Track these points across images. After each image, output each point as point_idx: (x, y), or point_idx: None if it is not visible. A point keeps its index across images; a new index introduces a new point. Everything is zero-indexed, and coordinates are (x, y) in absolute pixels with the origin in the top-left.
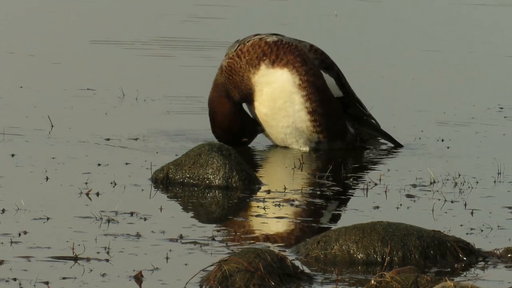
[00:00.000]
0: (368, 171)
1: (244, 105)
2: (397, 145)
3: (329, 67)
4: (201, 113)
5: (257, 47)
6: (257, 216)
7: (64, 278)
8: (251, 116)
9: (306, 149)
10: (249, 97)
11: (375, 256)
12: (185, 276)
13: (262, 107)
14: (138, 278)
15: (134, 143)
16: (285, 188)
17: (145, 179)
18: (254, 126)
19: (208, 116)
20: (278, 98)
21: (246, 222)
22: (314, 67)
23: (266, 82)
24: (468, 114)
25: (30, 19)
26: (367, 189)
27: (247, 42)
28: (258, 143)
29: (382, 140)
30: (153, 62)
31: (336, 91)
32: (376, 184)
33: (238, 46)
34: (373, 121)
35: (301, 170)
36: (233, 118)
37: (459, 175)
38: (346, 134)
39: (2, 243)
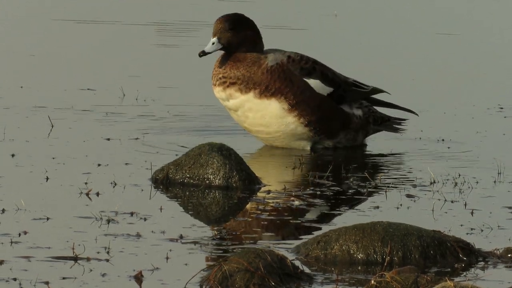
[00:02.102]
0: (368, 171)
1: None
2: (412, 112)
3: (310, 71)
4: (202, 113)
5: (261, 75)
6: (257, 216)
7: (64, 278)
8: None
9: (308, 148)
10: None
11: (375, 256)
12: (185, 276)
13: (255, 131)
14: (138, 278)
15: (134, 143)
16: (285, 188)
17: (145, 179)
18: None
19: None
20: (269, 124)
21: (246, 222)
22: (299, 82)
23: (249, 109)
24: (468, 114)
25: (30, 19)
26: (367, 189)
27: (263, 65)
28: (258, 143)
29: (396, 126)
30: (153, 61)
31: (324, 89)
32: (376, 184)
33: (260, 62)
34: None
35: (301, 170)
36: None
37: (459, 175)
38: (349, 122)
39: (2, 243)
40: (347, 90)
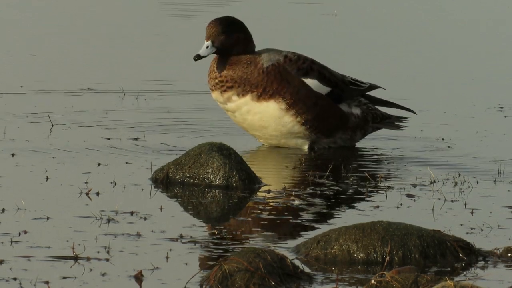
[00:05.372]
0: (368, 171)
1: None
2: (409, 111)
3: (308, 71)
4: (202, 112)
5: (257, 76)
6: (257, 215)
7: (64, 277)
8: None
9: (306, 147)
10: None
11: (375, 255)
12: (185, 276)
13: (253, 131)
14: (138, 278)
15: (134, 143)
16: (285, 188)
17: (145, 179)
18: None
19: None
20: (268, 125)
21: (246, 221)
22: (294, 80)
23: (247, 112)
24: (468, 114)
25: (30, 19)
26: (367, 188)
27: (258, 65)
28: (257, 143)
29: (397, 123)
30: (153, 60)
31: (322, 89)
32: (376, 184)
33: (255, 63)
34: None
35: (301, 170)
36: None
37: (459, 174)
38: (346, 121)
39: (2, 242)
40: (345, 90)
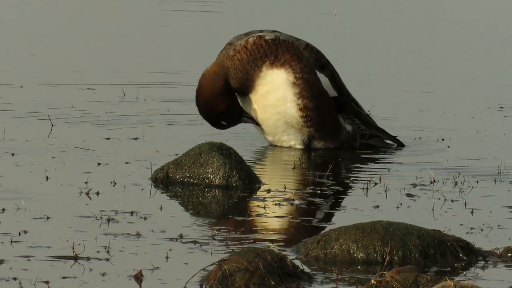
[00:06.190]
0: (368, 170)
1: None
2: (399, 144)
3: (324, 66)
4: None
5: (259, 47)
6: (257, 215)
7: (64, 277)
8: (241, 105)
9: (297, 143)
10: (245, 91)
11: (375, 255)
12: (185, 276)
13: (255, 103)
14: (138, 278)
15: (134, 143)
16: (285, 188)
17: (145, 179)
18: (239, 115)
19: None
20: (271, 96)
21: (246, 221)
22: (308, 65)
23: (263, 83)
24: (468, 113)
25: (30, 19)
26: (367, 188)
27: (249, 38)
28: (257, 142)
29: (385, 141)
30: (153, 60)
31: (330, 91)
32: (376, 184)
33: (243, 42)
34: (371, 120)
35: (301, 170)
36: (220, 97)
37: (459, 174)
38: (339, 131)
39: (2, 242)
40: (348, 104)
